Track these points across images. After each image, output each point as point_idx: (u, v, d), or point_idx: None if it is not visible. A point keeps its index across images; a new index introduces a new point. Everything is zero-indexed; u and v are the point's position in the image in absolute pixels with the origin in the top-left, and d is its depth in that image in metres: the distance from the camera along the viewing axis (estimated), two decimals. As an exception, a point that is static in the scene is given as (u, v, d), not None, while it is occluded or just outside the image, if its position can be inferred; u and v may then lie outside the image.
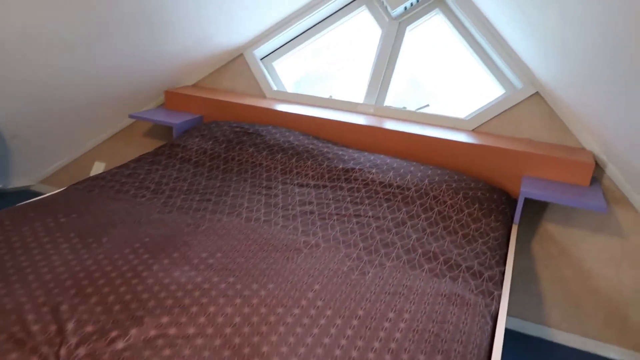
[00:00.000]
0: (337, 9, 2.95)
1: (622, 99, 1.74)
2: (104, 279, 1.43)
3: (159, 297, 1.36)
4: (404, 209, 2.00)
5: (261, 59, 3.12)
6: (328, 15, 2.98)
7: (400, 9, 2.75)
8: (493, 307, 1.53)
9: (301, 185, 2.20)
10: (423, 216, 1.97)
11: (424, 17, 2.79)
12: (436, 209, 2.01)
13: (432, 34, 2.86)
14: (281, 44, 3.12)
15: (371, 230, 1.86)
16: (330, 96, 2.99)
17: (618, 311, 2.33)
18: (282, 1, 2.71)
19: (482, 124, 2.59)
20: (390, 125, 2.56)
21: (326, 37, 3.11)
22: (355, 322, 1.35)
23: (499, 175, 2.34)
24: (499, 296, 1.59)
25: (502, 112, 2.55)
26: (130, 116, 2.81)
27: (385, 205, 2.02)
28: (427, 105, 2.81)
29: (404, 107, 2.82)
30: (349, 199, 2.08)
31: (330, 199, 2.09)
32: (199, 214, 1.91)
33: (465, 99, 2.79)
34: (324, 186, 2.19)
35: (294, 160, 2.36)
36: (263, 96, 3.06)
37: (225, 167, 2.36)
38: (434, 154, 2.43)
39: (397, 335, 1.32)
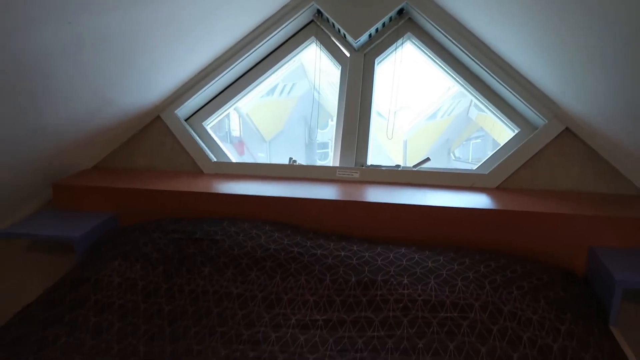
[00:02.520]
0: (280, 44, 2.23)
1: None
2: None
3: None
4: (478, 344, 1.27)
5: (185, 120, 2.29)
6: (267, 54, 2.24)
7: (364, 37, 2.09)
8: None
9: (305, 327, 1.40)
10: (515, 355, 1.25)
11: (393, 46, 2.16)
12: (525, 336, 1.31)
13: (412, 65, 2.22)
14: (209, 98, 2.31)
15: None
16: (294, 161, 2.22)
17: None
18: (206, 43, 1.92)
19: (507, 178, 1.98)
20: (398, 196, 1.84)
21: (271, 81, 2.36)
22: None
23: (554, 248, 1.71)
24: None
25: (529, 159, 1.95)
26: (3, 234, 1.83)
27: (450, 344, 1.28)
28: (428, 159, 2.14)
29: (398, 166, 2.13)
30: (390, 343, 1.31)
31: (359, 349, 1.30)
32: None
33: (471, 146, 2.17)
34: (341, 322, 1.40)
35: (278, 278, 1.55)
36: (199, 172, 2.21)
37: (171, 309, 1.49)
38: (458, 229, 1.75)
39: None
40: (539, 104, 1.92)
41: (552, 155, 1.94)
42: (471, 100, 2.36)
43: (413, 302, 1.41)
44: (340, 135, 2.15)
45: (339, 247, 1.67)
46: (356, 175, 2.08)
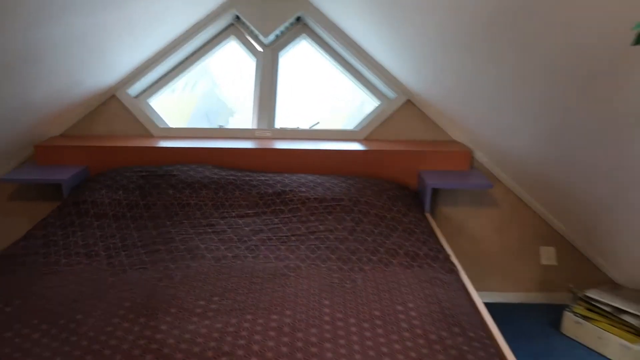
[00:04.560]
0: (206, 42, 2.99)
1: (486, 98, 2.22)
2: (117, 354, 1.30)
3: (194, 352, 1.30)
4: (347, 217, 2.18)
5: (135, 97, 2.98)
6: (198, 47, 3.00)
7: (272, 37, 2.93)
8: (460, 282, 1.82)
9: (241, 216, 2.22)
10: (365, 220, 2.18)
11: (292, 42, 3.02)
12: (373, 212, 2.24)
13: (308, 57, 3.10)
14: (153, 81, 3.02)
15: (332, 242, 2.00)
16: (220, 126, 3.00)
17: (509, 265, 2.89)
18: (151, 38, 2.64)
19: (370, 133, 2.93)
20: (300, 145, 2.71)
21: (202, 68, 3.12)
22: (379, 322, 1.49)
23: (398, 173, 2.70)
24: (458, 271, 1.89)
25: (384, 120, 2.92)
26: (4, 180, 2.42)
27: (330, 217, 2.18)
28: (318, 123, 3.04)
29: (297, 127, 3.00)
30: (295, 219, 2.18)
31: (278, 223, 2.16)
32: (160, 266, 1.81)
33: (348, 113, 3.10)
34: (264, 212, 2.24)
35: (221, 193, 2.35)
36: (150, 135, 2.92)
37: (150, 214, 2.23)
38: (342, 165, 2.67)
39: (416, 322, 1.50)
40: (391, 84, 2.88)
41: (399, 117, 2.92)
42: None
43: (308, 199, 2.29)
44: (257, 106, 2.98)
45: (260, 175, 2.51)
46: (269, 134, 2.92)
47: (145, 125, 2.91)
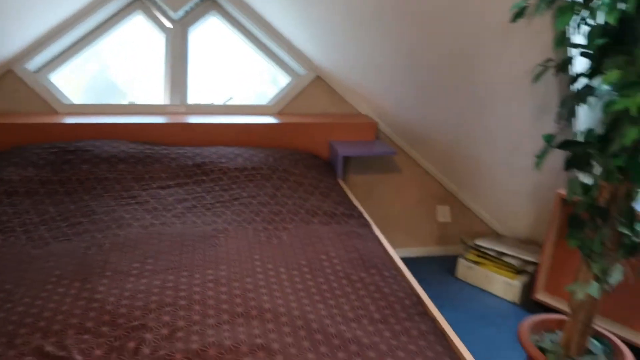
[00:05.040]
0: (110, 16, 2.92)
1: (385, 72, 2.47)
2: (58, 314, 1.33)
3: (137, 305, 1.37)
4: (268, 184, 2.32)
5: (35, 72, 2.83)
6: (102, 22, 2.91)
7: (181, 12, 2.94)
8: (374, 234, 2.05)
9: (163, 188, 2.26)
10: (285, 185, 2.33)
11: (202, 18, 3.05)
12: (291, 179, 2.40)
13: (219, 33, 3.14)
14: (54, 55, 2.88)
15: (255, 206, 2.13)
16: (131, 102, 2.96)
17: (411, 223, 3.21)
18: (50, 10, 2.54)
19: (283, 107, 3.07)
20: (215, 119, 2.78)
21: (108, 45, 3.03)
22: (306, 269, 1.66)
23: (311, 144, 2.88)
24: (371, 226, 2.12)
25: (296, 96, 3.07)
26: None
27: (251, 185, 2.30)
28: (231, 98, 3.11)
29: (211, 103, 3.05)
30: (217, 187, 2.27)
31: (201, 192, 2.23)
32: (86, 236, 1.81)
33: (261, 88, 3.20)
34: (186, 183, 2.30)
35: (139, 167, 2.36)
36: (54, 112, 2.80)
37: (65, 189, 2.19)
38: (258, 138, 2.79)
39: (338, 267, 1.69)
40: (301, 61, 3.03)
41: (310, 92, 3.09)
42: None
43: (229, 169, 2.39)
44: (169, 82, 2.97)
45: (178, 149, 2.54)
46: (183, 110, 2.94)
47: (49, 101, 2.78)
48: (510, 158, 2.47)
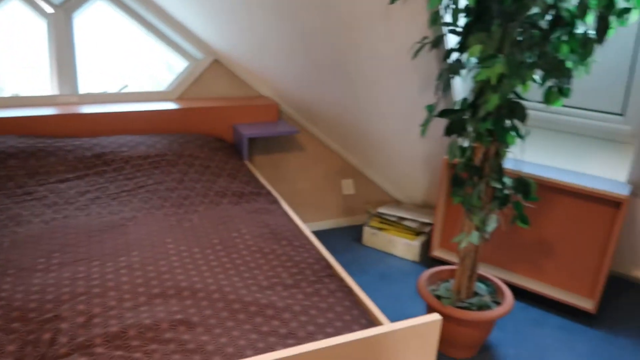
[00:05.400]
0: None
1: (282, 53, 2.56)
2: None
3: (48, 299, 1.36)
4: (174, 170, 2.32)
5: None
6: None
7: (63, -3, 2.78)
8: (282, 209, 2.15)
9: (62, 181, 2.17)
10: (192, 170, 2.35)
11: (87, 2, 2.91)
12: (197, 163, 2.42)
13: (108, 19, 3.01)
14: None
15: (163, 192, 2.13)
16: (15, 94, 2.76)
17: (318, 198, 3.36)
18: None
19: (182, 93, 3.04)
20: (112, 108, 2.69)
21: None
22: (219, 247, 1.72)
23: (214, 128, 2.90)
24: (279, 202, 2.22)
25: (195, 80, 3.05)
26: None
27: (157, 172, 2.29)
28: (127, 86, 3.02)
29: (105, 92, 2.93)
30: (120, 177, 2.23)
31: (103, 182, 2.18)
32: (-20, 237, 1.71)
33: (157, 74, 3.13)
34: (86, 175, 2.23)
35: (32, 161, 2.24)
36: None
37: (-52, 191, 2.03)
38: (158, 125, 2.75)
39: (250, 242, 1.77)
40: (198, 45, 3.01)
41: (209, 76, 3.08)
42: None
43: (131, 158, 2.35)
44: (56, 71, 2.81)
45: (73, 140, 2.44)
46: (75, 100, 2.81)
47: None
48: (401, 129, 2.69)
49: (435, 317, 1.24)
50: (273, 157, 3.22)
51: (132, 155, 2.36)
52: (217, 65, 3.07)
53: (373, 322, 1.40)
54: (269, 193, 2.28)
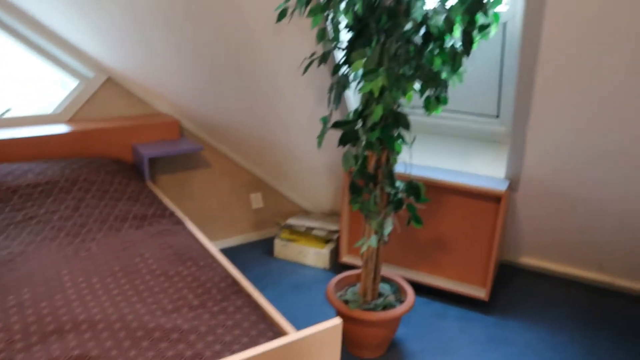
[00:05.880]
0: None
1: (175, 69, 2.55)
2: None
3: None
4: (68, 197, 2.20)
5: None
6: None
7: None
8: (187, 230, 2.12)
9: (-64, 219, 1.98)
10: (88, 196, 2.24)
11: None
12: (94, 188, 2.31)
13: (-20, 39, 2.79)
14: None
15: (56, 222, 2.02)
16: None
17: (227, 215, 3.33)
18: None
19: (74, 114, 2.89)
20: (-10, 135, 2.49)
21: None
22: (120, 274, 1.67)
23: (112, 150, 2.79)
24: (184, 222, 2.19)
25: (88, 100, 2.92)
26: None
27: (49, 200, 2.16)
28: (9, 109, 2.81)
29: (-15, 117, 2.71)
30: (7, 208, 2.07)
31: (-14, 217, 2.02)
32: None
33: (47, 96, 2.95)
34: (-34, 210, 2.05)
35: None
36: None
37: None
38: (48, 150, 2.59)
39: (154, 266, 1.74)
40: (88, 63, 2.88)
41: (103, 95, 2.96)
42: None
43: (18, 186, 2.19)
44: None
45: (-52, 173, 2.23)
46: (-52, 128, 2.56)
47: None
48: (304, 140, 2.77)
49: (336, 322, 1.30)
50: (178, 176, 3.16)
51: (19, 184, 2.21)
52: (111, 84, 2.96)
53: (280, 333, 1.43)
54: (173, 214, 2.24)
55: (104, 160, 2.61)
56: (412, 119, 2.64)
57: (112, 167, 2.55)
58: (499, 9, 2.01)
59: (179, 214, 2.29)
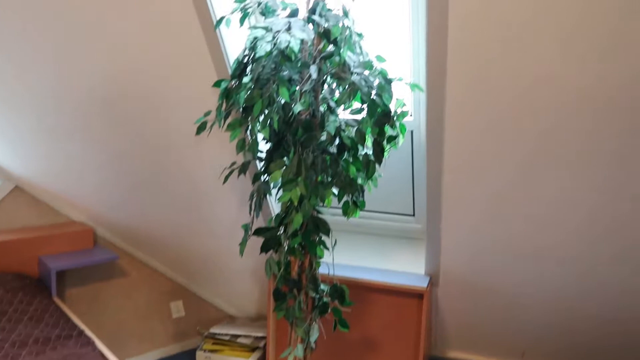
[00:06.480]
0: None
1: (99, 178, 2.49)
2: None
3: None
4: (-44, 323, 1.96)
5: None
6: None
7: None
8: (97, 351, 1.94)
9: None
10: (-19, 320, 2.01)
11: None
12: (-11, 309, 2.08)
13: None
14: None
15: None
16: None
17: (144, 326, 3.09)
18: None
19: (-25, 226, 2.67)
20: None
21: None
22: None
23: (15, 263, 2.56)
24: (94, 343, 2.00)
25: (-9, 210, 2.72)
26: None
27: None
28: None
29: None
30: None
31: None
32: None
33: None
34: None
35: None
36: None
37: None
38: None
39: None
40: (-6, 172, 2.73)
41: (8, 204, 2.78)
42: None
43: None
44: None
45: None
46: None
47: None
48: (228, 245, 2.72)
49: None
50: (90, 288, 2.94)
51: None
52: (18, 192, 2.80)
53: None
54: (82, 333, 2.04)
55: (5, 276, 2.38)
56: (333, 219, 2.70)
57: (13, 283, 2.33)
58: (405, 119, 2.19)
59: (89, 332, 2.10)
